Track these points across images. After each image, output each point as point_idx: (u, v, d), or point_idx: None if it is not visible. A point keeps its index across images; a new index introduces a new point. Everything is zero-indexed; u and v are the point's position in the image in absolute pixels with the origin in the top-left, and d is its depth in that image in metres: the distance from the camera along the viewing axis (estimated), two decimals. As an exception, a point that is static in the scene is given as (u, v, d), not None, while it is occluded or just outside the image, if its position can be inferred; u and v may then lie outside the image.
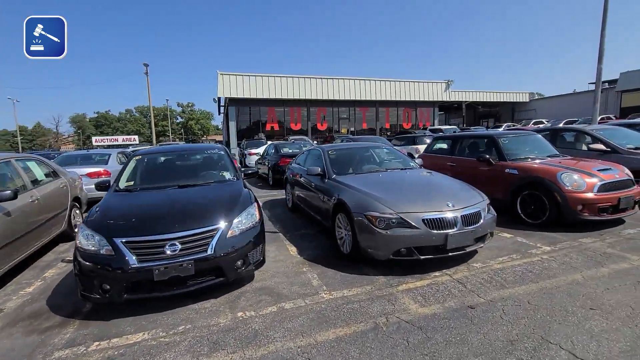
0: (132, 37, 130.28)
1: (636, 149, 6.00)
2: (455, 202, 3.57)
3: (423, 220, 3.36)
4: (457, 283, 3.20)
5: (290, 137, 21.69)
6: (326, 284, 3.33)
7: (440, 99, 30.32)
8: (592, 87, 17.27)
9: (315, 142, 19.90)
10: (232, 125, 25.11)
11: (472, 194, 3.90)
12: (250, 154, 14.78)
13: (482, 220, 3.55)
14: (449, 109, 44.55)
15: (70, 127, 72.60)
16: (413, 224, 3.34)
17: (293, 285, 3.33)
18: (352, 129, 28.73)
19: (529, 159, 5.42)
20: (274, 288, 3.29)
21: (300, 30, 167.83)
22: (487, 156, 5.66)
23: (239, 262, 3.07)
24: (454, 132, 24.35)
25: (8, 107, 74.97)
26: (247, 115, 25.95)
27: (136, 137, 29.02)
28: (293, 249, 4.43)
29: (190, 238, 2.91)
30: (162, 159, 4.94)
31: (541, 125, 21.81)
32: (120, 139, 26.22)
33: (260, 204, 4.05)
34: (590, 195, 4.47)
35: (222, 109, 31.88)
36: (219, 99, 25.10)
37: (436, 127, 25.64)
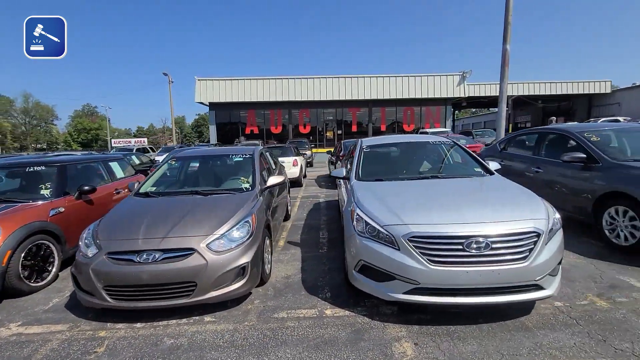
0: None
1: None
2: None
3: None
4: None
5: (243, 141, 21.11)
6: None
7: (452, 95, 24.87)
8: None
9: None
10: (212, 129, 25.86)
11: None
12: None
13: None
14: (514, 105, 36.22)
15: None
16: None
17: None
18: (340, 131, 26.19)
19: None
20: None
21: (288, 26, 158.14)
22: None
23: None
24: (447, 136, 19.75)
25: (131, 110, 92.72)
26: (227, 119, 26.31)
27: (145, 139, 32.73)
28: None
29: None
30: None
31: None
32: (133, 141, 30.14)
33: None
34: None
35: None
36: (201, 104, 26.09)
37: (426, 129, 21.23)
